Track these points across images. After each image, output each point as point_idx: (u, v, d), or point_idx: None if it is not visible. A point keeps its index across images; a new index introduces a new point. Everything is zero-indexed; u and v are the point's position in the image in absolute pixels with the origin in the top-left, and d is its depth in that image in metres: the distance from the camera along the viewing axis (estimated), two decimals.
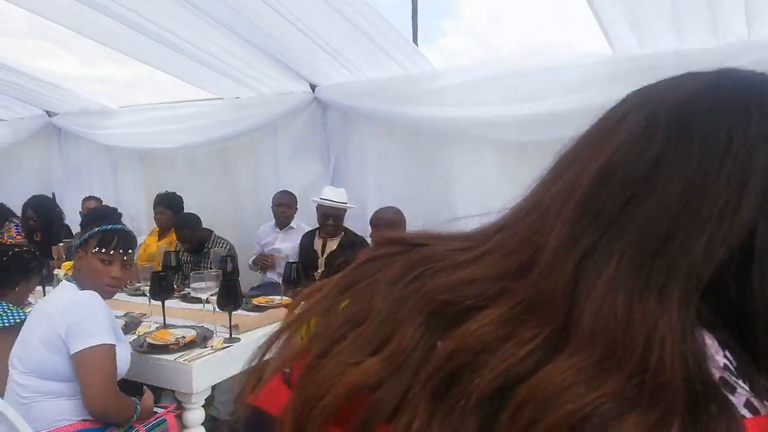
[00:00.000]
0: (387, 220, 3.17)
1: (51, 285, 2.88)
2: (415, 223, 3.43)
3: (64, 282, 1.98)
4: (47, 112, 5.27)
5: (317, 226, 3.77)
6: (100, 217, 2.03)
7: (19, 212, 4.41)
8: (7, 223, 4.47)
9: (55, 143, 5.43)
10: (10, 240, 4.24)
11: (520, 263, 0.41)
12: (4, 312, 2.11)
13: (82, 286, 1.91)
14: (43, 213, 4.26)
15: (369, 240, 3.49)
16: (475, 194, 3.49)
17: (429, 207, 3.69)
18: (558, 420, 0.32)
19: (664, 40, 2.77)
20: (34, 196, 4.44)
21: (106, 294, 1.95)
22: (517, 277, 0.40)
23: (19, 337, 1.86)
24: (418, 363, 0.37)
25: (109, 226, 1.97)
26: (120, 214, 2.36)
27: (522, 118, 3.17)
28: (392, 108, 3.56)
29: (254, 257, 4.01)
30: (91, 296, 1.85)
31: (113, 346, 1.79)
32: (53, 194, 4.66)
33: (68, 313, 1.76)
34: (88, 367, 1.73)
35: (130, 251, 2.00)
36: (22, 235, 4.30)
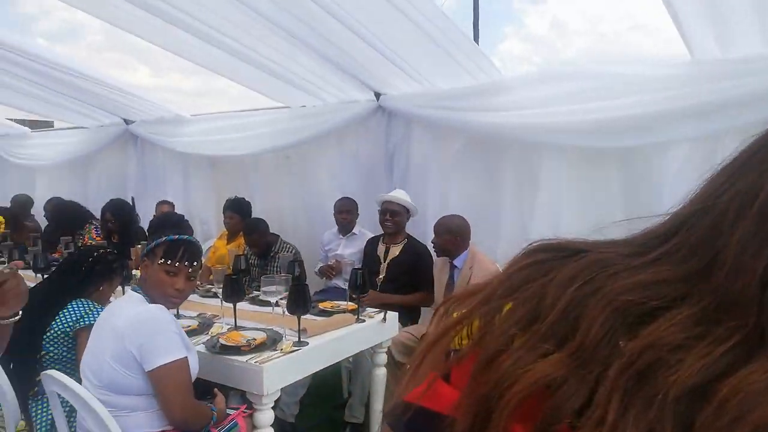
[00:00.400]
0: (451, 228, 3.14)
1: (129, 285, 3.01)
2: (480, 233, 3.39)
3: (131, 292, 1.97)
4: (125, 120, 5.56)
5: (380, 232, 3.79)
6: (168, 225, 2.05)
7: (98, 215, 4.67)
8: (87, 225, 4.73)
9: (131, 150, 5.71)
10: (90, 241, 4.49)
11: (701, 266, 0.42)
12: (91, 310, 2.23)
13: (149, 297, 1.90)
14: (120, 215, 4.48)
15: (430, 247, 3.48)
16: (544, 202, 3.42)
17: (495, 215, 3.64)
18: (766, 416, 0.34)
19: (747, 45, 2.64)
20: (112, 200, 4.68)
21: (170, 304, 1.95)
22: (699, 280, 0.41)
23: (89, 346, 1.88)
24: (605, 359, 0.39)
25: (176, 237, 1.94)
26: (187, 221, 2.39)
27: (593, 124, 3.08)
28: (459, 116, 3.54)
29: (320, 266, 4.06)
30: (159, 311, 1.83)
31: (186, 358, 1.80)
32: (132, 199, 4.89)
33: (139, 331, 1.75)
34: (165, 382, 1.75)
35: (195, 263, 1.97)
36: (102, 236, 4.54)
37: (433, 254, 3.42)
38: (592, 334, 0.40)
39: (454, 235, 3.12)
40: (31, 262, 3.56)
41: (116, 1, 3.22)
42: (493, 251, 3.35)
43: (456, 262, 3.16)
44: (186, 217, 5.00)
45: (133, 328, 1.75)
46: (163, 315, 1.81)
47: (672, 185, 2.95)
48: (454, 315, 0.51)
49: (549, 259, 0.49)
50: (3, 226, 4.61)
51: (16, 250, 3.85)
